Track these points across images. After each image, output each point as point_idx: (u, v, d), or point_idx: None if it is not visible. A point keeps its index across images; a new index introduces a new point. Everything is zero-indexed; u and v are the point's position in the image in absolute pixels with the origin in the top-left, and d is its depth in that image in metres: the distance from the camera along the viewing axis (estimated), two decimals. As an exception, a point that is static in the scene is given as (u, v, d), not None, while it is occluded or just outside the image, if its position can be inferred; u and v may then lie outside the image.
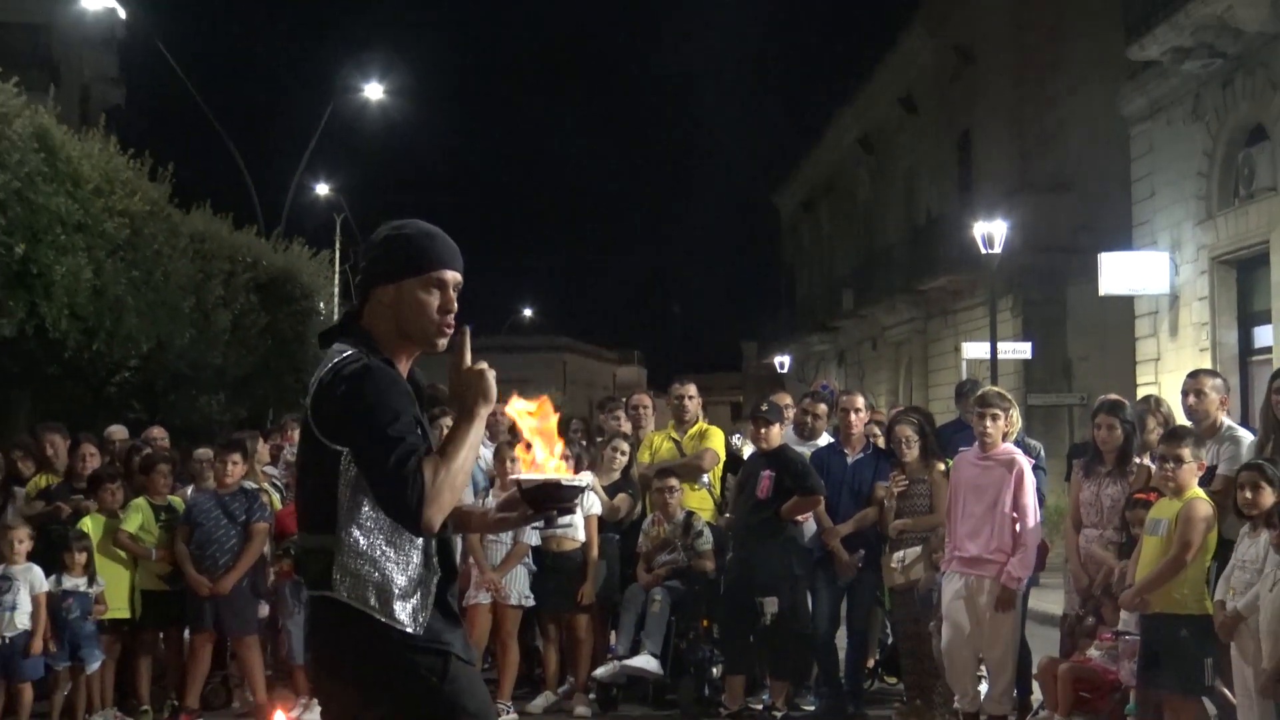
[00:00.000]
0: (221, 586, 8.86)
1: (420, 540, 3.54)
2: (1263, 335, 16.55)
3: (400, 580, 3.49)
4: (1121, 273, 18.75)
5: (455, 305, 3.68)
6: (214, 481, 9.19)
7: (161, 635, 9.31)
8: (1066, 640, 8.18)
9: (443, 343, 3.67)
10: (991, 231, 21.80)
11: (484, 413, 3.51)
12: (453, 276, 3.67)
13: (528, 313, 68.24)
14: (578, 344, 73.49)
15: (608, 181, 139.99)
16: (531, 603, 9.31)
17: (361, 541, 3.48)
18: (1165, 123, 18.48)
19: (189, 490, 9.50)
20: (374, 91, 31.26)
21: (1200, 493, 6.95)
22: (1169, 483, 6.96)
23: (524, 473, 3.92)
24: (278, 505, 9.56)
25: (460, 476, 3.42)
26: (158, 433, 11.18)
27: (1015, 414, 8.80)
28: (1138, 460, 7.87)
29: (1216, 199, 17.23)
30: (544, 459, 3.84)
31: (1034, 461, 8.61)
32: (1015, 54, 25.72)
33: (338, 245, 34.27)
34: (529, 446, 3.86)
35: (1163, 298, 18.42)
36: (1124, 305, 19.72)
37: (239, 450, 9.33)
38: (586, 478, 4.37)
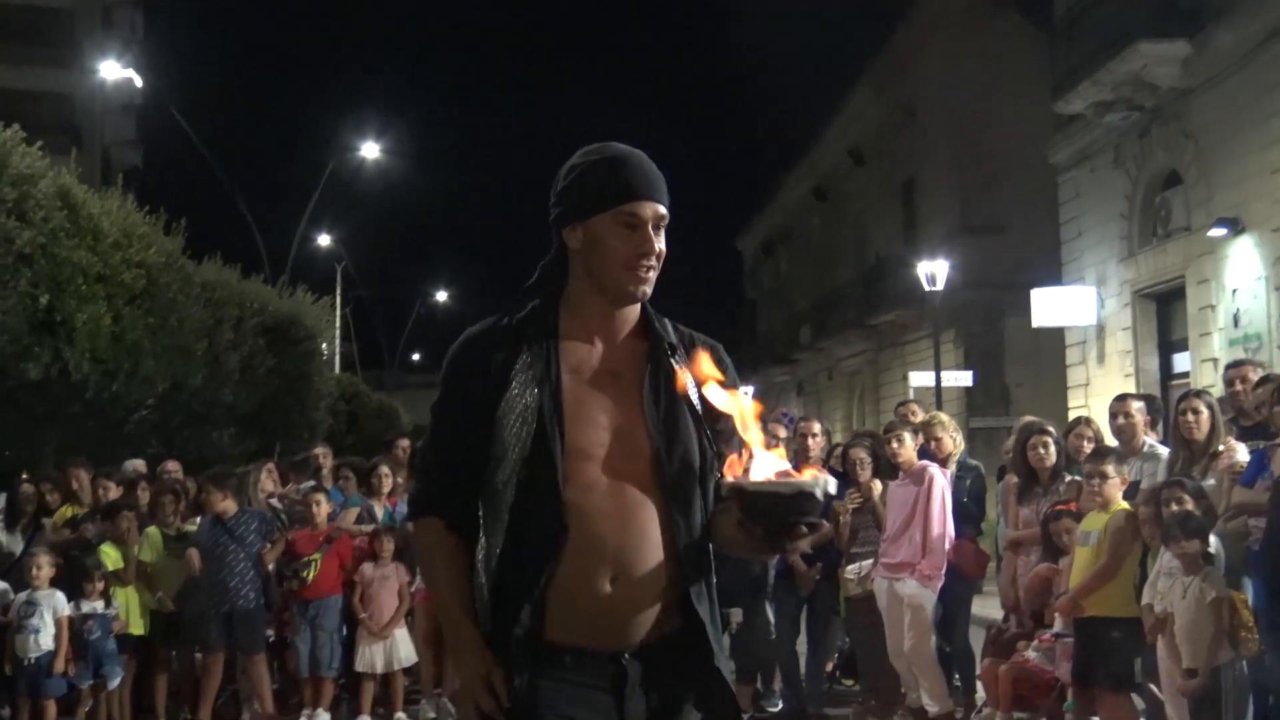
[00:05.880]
0: None
1: (484, 544, 2.67)
2: (1181, 361, 16.64)
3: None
4: (1053, 306, 18.84)
5: (656, 245, 2.72)
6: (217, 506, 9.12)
7: (175, 653, 9.22)
8: (989, 648, 8.16)
9: (644, 290, 2.74)
10: (934, 271, 21.91)
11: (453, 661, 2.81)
12: (651, 210, 2.73)
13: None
14: (561, 378, 73.20)
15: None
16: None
17: None
18: (1090, 170, 18.60)
19: (197, 519, 9.43)
20: (370, 150, 31.35)
21: (1125, 505, 6.96)
22: (1096, 497, 6.99)
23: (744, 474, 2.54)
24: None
25: (420, 572, 2.86)
26: (173, 466, 11.09)
27: (959, 437, 8.85)
28: (1068, 477, 7.88)
29: (1137, 239, 17.33)
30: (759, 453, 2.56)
31: (969, 479, 8.66)
32: (953, 109, 25.86)
33: (339, 290, 34.25)
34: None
35: (1090, 329, 18.51)
36: (1055, 336, 19.81)
37: (222, 484, 9.20)
38: (828, 481, 2.49)
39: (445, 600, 2.71)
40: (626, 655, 2.60)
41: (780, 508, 2.43)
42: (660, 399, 2.70)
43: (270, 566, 9.01)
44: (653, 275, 2.72)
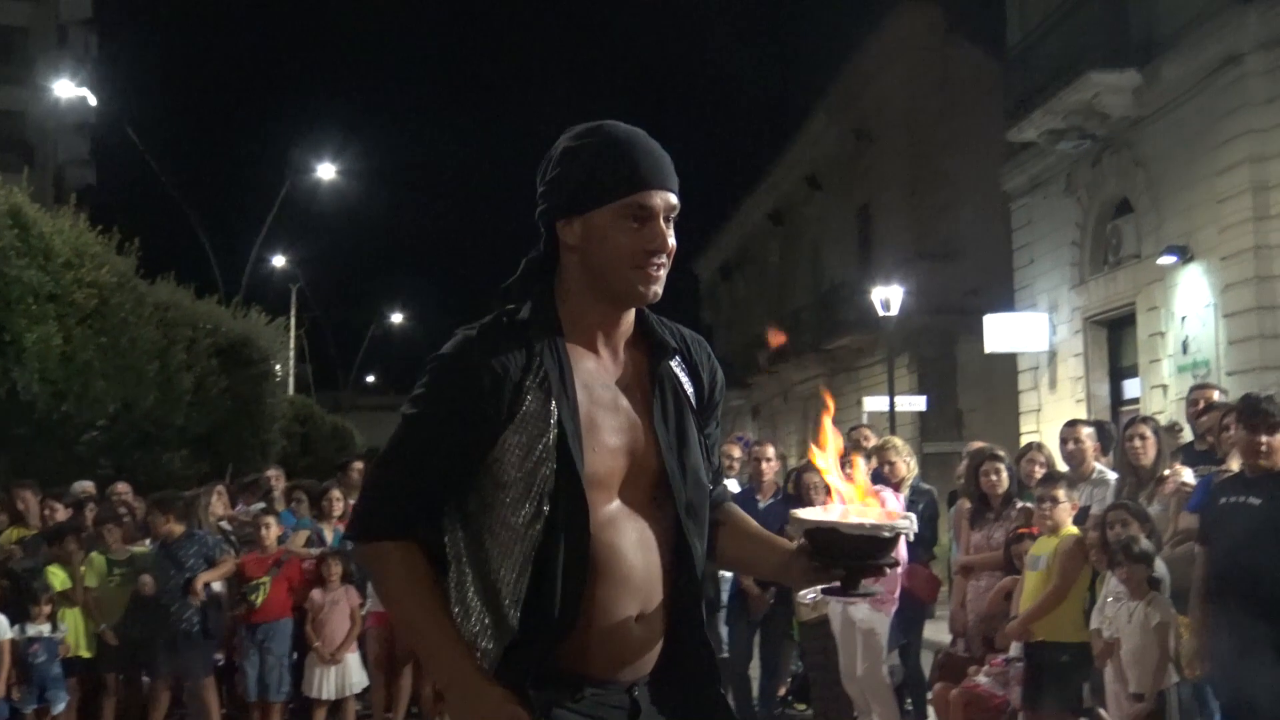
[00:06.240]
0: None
1: (469, 580, 2.36)
2: (1131, 388, 16.79)
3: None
4: (1005, 332, 18.97)
5: (668, 240, 2.38)
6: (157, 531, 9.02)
7: (121, 678, 9.11)
8: (937, 671, 8.19)
9: (654, 291, 2.38)
10: (889, 296, 22.04)
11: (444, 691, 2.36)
12: (662, 200, 2.37)
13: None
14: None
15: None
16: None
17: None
18: (1042, 197, 18.78)
19: (146, 542, 9.34)
20: (326, 171, 31.23)
21: (1075, 530, 7.02)
22: (1046, 521, 7.05)
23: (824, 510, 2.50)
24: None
25: (385, 601, 2.43)
26: (122, 488, 10.97)
27: (913, 462, 8.89)
28: (1019, 504, 7.94)
29: (1088, 265, 17.50)
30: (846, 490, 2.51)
31: (922, 504, 8.69)
32: (909, 137, 26.09)
33: (293, 311, 34.07)
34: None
35: (1042, 355, 18.64)
36: (1008, 361, 19.95)
37: (167, 508, 9.13)
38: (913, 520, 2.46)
39: (435, 636, 2.32)
40: (636, 688, 2.41)
41: (875, 549, 2.35)
42: (669, 416, 2.45)
43: (217, 587, 8.89)
44: (664, 274, 2.38)
